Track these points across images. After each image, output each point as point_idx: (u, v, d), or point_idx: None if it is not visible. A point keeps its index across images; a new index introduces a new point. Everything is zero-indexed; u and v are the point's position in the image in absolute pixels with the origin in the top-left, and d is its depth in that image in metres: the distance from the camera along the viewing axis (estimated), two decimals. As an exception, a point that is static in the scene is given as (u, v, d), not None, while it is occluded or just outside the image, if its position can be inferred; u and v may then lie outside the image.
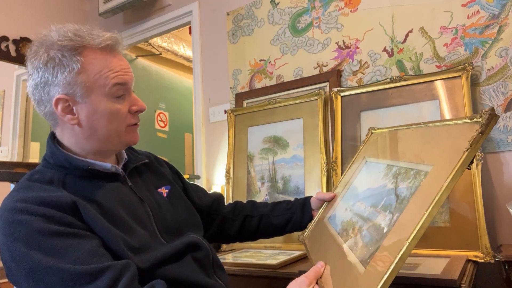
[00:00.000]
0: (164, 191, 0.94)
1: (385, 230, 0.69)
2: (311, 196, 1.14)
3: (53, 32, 0.78)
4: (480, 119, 0.65)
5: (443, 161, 0.68)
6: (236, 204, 1.16)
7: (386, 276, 0.63)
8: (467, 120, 0.71)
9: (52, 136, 0.84)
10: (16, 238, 0.67)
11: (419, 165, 0.75)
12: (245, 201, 1.18)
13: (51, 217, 0.69)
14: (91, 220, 0.73)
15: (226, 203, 1.17)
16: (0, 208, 0.72)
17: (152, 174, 0.96)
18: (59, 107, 0.78)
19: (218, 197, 1.15)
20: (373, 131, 1.18)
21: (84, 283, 0.64)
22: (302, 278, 0.73)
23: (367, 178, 0.98)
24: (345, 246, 0.80)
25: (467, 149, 0.63)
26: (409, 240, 0.61)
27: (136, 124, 0.85)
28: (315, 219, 1.09)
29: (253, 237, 1.16)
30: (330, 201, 1.07)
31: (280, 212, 1.12)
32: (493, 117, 0.64)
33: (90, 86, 0.77)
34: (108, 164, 0.83)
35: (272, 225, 1.11)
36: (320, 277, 0.76)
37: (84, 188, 0.78)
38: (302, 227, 1.11)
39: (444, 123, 0.83)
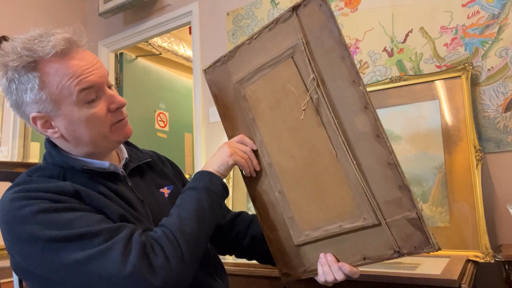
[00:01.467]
0: (166, 191, 0.92)
1: None
2: None
3: (7, 48, 0.75)
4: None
5: None
6: (239, 215, 1.05)
7: None
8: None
9: (48, 139, 0.84)
10: (22, 221, 0.66)
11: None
12: (250, 212, 1.06)
13: (53, 200, 0.69)
14: (95, 204, 0.73)
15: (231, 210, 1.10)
16: (3, 199, 0.71)
17: (154, 173, 0.94)
18: (38, 124, 0.77)
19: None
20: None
21: (105, 239, 0.66)
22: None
23: None
24: None
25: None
26: None
27: (121, 120, 0.81)
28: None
29: (247, 257, 1.04)
30: None
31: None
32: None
33: (56, 99, 0.73)
34: (106, 163, 0.82)
35: (264, 251, 0.94)
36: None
37: (84, 185, 0.77)
38: None
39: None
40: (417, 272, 1.01)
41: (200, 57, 2.26)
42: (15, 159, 2.47)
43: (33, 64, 0.72)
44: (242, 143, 0.90)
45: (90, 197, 0.73)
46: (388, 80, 1.54)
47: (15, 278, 1.01)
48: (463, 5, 1.47)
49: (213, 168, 0.85)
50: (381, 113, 1.52)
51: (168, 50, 3.59)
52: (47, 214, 0.66)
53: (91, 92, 0.75)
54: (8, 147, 2.47)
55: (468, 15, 1.46)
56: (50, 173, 0.78)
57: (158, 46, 3.48)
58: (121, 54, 2.97)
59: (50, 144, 0.83)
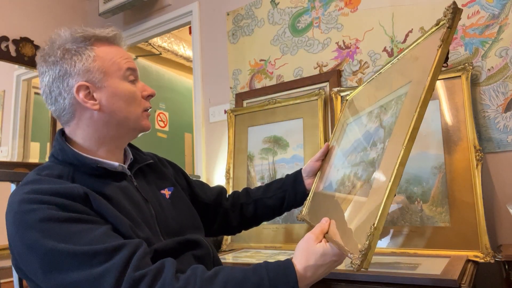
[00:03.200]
0: (167, 192, 0.94)
1: (377, 157, 0.71)
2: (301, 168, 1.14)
3: (62, 32, 0.83)
4: (445, 17, 0.68)
5: (418, 74, 0.70)
6: (234, 195, 1.17)
7: (390, 183, 0.59)
8: (433, 29, 0.73)
9: (61, 134, 0.86)
10: (28, 226, 0.67)
11: (397, 91, 0.77)
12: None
13: (63, 206, 0.70)
14: (102, 210, 0.74)
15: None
16: (9, 202, 0.72)
17: (155, 175, 0.96)
18: (81, 94, 0.81)
19: (221, 190, 1.16)
20: (347, 98, 1.20)
21: (101, 262, 0.65)
22: (309, 235, 0.73)
23: (352, 136, 0.97)
24: (344, 195, 0.80)
25: (440, 46, 0.64)
26: (405, 144, 0.60)
27: (149, 109, 0.89)
28: (310, 194, 1.08)
29: (255, 223, 1.17)
30: (323, 171, 1.07)
31: (272, 193, 1.12)
32: (456, 10, 0.67)
33: (106, 71, 0.82)
34: (115, 163, 0.84)
35: (268, 207, 1.12)
36: (327, 232, 0.73)
37: (93, 184, 0.78)
38: (298, 201, 1.11)
39: (411, 46, 0.84)
40: (417, 272, 1.01)
41: (200, 57, 2.26)
42: (15, 159, 2.47)
43: (92, 40, 0.83)
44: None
45: (98, 202, 0.74)
46: (388, 80, 1.53)
47: (15, 278, 1.01)
48: (463, 5, 1.47)
49: (307, 282, 0.69)
50: (381, 113, 1.52)
51: (168, 50, 3.59)
52: (53, 223, 0.67)
53: (133, 74, 0.86)
54: (8, 147, 2.47)
55: (468, 15, 1.46)
56: (59, 172, 0.78)
57: (158, 46, 3.48)
58: (121, 54, 2.97)
59: (63, 139, 0.84)
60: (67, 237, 0.66)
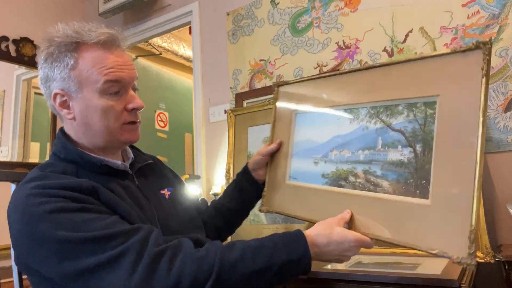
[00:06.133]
0: (166, 192, 0.94)
1: (417, 161, 0.78)
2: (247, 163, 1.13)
3: (57, 29, 0.81)
4: (475, 48, 0.72)
5: (449, 90, 0.76)
6: (206, 210, 1.13)
7: (475, 194, 0.68)
8: (447, 52, 0.77)
9: (63, 132, 0.85)
10: (39, 219, 0.66)
11: (415, 98, 0.81)
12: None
13: (72, 198, 0.69)
14: (111, 202, 0.74)
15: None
16: (13, 199, 0.71)
17: (155, 175, 0.97)
18: (57, 101, 0.80)
19: (200, 205, 1.13)
20: (279, 86, 1.15)
21: (118, 244, 0.65)
22: (330, 219, 0.79)
23: (318, 129, 1.00)
24: (360, 191, 0.85)
25: (483, 75, 0.70)
26: (478, 159, 0.68)
27: (134, 122, 0.84)
28: (266, 185, 1.09)
29: (229, 231, 1.15)
30: (276, 162, 1.08)
31: (230, 197, 1.11)
32: (491, 44, 0.72)
33: (82, 81, 0.78)
34: (118, 162, 0.84)
35: (232, 211, 1.09)
36: (349, 222, 0.82)
37: (97, 180, 0.78)
38: (256, 195, 1.11)
39: (420, 57, 0.85)
40: (417, 272, 1.01)
41: (200, 57, 2.26)
42: (15, 159, 2.47)
43: (74, 45, 0.78)
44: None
45: (106, 195, 0.74)
46: (388, 80, 1.53)
47: (15, 278, 1.01)
48: (463, 5, 1.47)
49: (319, 250, 0.74)
50: (381, 113, 1.52)
51: (168, 50, 3.59)
52: (63, 214, 0.66)
53: (116, 86, 0.80)
54: (8, 147, 2.47)
55: (468, 15, 1.46)
56: (63, 169, 0.78)
57: (158, 46, 3.48)
58: (121, 54, 2.97)
59: (65, 138, 0.83)
60: (79, 225, 0.66)
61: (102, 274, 0.63)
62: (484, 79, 0.70)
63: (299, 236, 0.73)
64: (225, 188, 1.17)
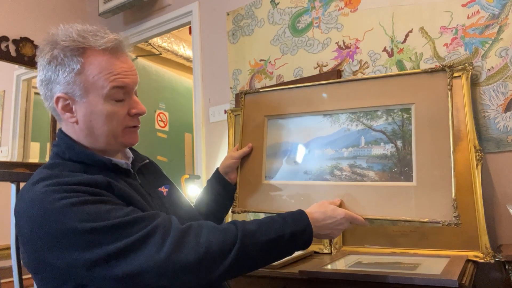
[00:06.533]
0: (164, 190, 0.96)
1: (399, 153, 0.95)
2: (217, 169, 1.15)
3: (60, 31, 0.80)
4: (441, 69, 0.95)
5: (424, 99, 0.96)
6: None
7: (452, 174, 0.88)
8: (419, 71, 1.00)
9: (64, 133, 0.85)
10: (58, 214, 0.66)
11: (389, 106, 0.99)
12: None
13: (90, 192, 0.71)
14: (125, 196, 0.76)
15: None
16: (29, 198, 0.70)
17: (152, 174, 0.99)
18: (59, 105, 0.80)
19: None
20: (246, 95, 1.23)
21: (141, 227, 0.68)
22: (322, 201, 0.91)
23: (295, 132, 1.10)
24: (347, 182, 0.98)
25: (449, 89, 0.92)
26: (451, 148, 0.89)
27: (135, 126, 0.86)
28: (238, 187, 1.12)
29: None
30: (244, 167, 1.12)
31: (203, 203, 1.12)
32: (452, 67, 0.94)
33: (88, 87, 0.78)
34: (122, 161, 0.86)
35: (207, 216, 1.10)
36: (340, 205, 0.94)
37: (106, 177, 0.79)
38: (230, 197, 1.13)
39: (395, 75, 1.05)
40: (417, 272, 1.01)
41: (200, 57, 2.26)
42: (15, 159, 2.47)
43: (81, 50, 0.78)
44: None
45: (120, 189, 0.76)
46: (388, 80, 1.53)
47: (15, 278, 1.01)
48: (463, 5, 1.47)
49: (317, 224, 0.84)
50: (381, 113, 1.53)
51: (168, 50, 3.59)
52: (84, 206, 0.68)
53: (121, 92, 0.81)
54: (8, 147, 2.47)
55: (468, 15, 1.46)
56: (71, 168, 0.78)
57: (158, 46, 3.48)
58: (121, 54, 2.96)
59: (70, 139, 0.83)
60: (102, 215, 0.68)
61: (131, 256, 0.66)
62: (450, 92, 0.92)
63: (302, 213, 0.84)
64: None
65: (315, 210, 0.87)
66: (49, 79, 0.80)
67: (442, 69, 0.95)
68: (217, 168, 1.15)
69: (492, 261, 1.16)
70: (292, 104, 1.13)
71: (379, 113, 1.00)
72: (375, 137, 0.99)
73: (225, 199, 1.13)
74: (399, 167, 0.94)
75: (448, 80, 0.93)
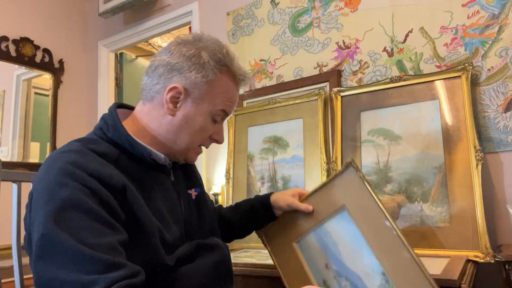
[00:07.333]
0: (193, 193, 0.94)
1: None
2: (271, 194, 1.07)
3: (210, 41, 0.84)
4: (346, 167, 0.94)
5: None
6: (221, 208, 1.15)
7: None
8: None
9: (116, 108, 0.83)
10: (52, 198, 0.64)
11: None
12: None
13: (95, 191, 0.67)
14: (136, 204, 0.72)
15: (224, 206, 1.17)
16: (48, 164, 0.70)
17: (184, 174, 0.95)
18: (171, 93, 0.80)
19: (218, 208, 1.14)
20: (353, 164, 0.95)
21: (95, 271, 0.60)
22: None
23: (342, 237, 0.95)
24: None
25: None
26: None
27: (203, 147, 0.89)
28: (276, 221, 1.06)
29: (227, 241, 1.11)
30: (292, 215, 1.03)
31: (239, 215, 1.09)
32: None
33: (205, 97, 0.81)
34: (161, 155, 0.83)
35: (238, 229, 1.10)
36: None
37: (134, 172, 0.77)
38: (264, 224, 1.09)
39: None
40: (417, 272, 1.01)
41: (200, 57, 2.26)
42: (15, 159, 2.47)
43: (224, 68, 0.83)
44: None
45: (133, 196, 0.72)
46: (388, 80, 1.54)
47: (16, 278, 1.01)
48: (463, 5, 1.47)
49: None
50: (381, 113, 1.53)
51: (168, 50, 3.58)
52: (72, 211, 0.64)
53: (223, 116, 0.86)
54: (8, 147, 2.47)
55: (468, 15, 1.46)
56: (105, 150, 0.75)
57: (158, 46, 3.48)
58: (121, 54, 2.97)
59: (118, 118, 0.81)
60: (78, 232, 0.62)
61: None
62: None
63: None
64: (225, 188, 1.16)
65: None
66: (178, 68, 0.80)
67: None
68: (270, 194, 1.07)
69: (492, 261, 1.17)
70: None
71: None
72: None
73: (260, 223, 1.09)
74: None
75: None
